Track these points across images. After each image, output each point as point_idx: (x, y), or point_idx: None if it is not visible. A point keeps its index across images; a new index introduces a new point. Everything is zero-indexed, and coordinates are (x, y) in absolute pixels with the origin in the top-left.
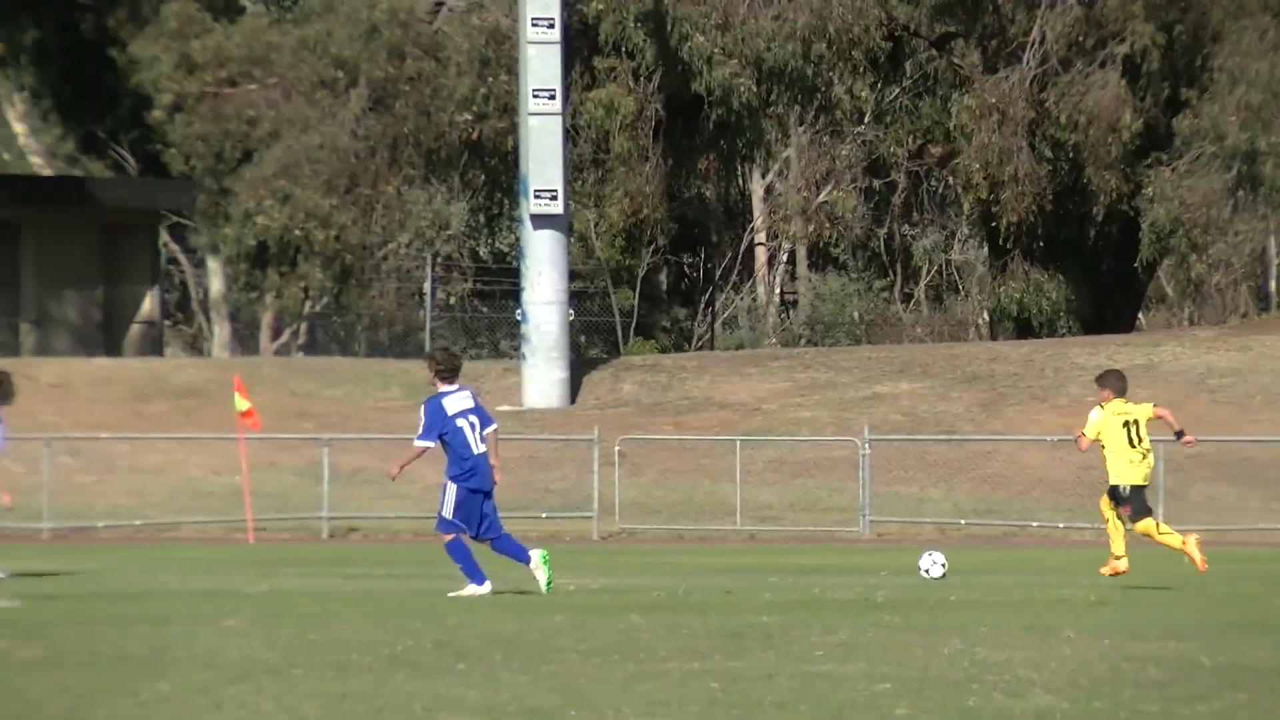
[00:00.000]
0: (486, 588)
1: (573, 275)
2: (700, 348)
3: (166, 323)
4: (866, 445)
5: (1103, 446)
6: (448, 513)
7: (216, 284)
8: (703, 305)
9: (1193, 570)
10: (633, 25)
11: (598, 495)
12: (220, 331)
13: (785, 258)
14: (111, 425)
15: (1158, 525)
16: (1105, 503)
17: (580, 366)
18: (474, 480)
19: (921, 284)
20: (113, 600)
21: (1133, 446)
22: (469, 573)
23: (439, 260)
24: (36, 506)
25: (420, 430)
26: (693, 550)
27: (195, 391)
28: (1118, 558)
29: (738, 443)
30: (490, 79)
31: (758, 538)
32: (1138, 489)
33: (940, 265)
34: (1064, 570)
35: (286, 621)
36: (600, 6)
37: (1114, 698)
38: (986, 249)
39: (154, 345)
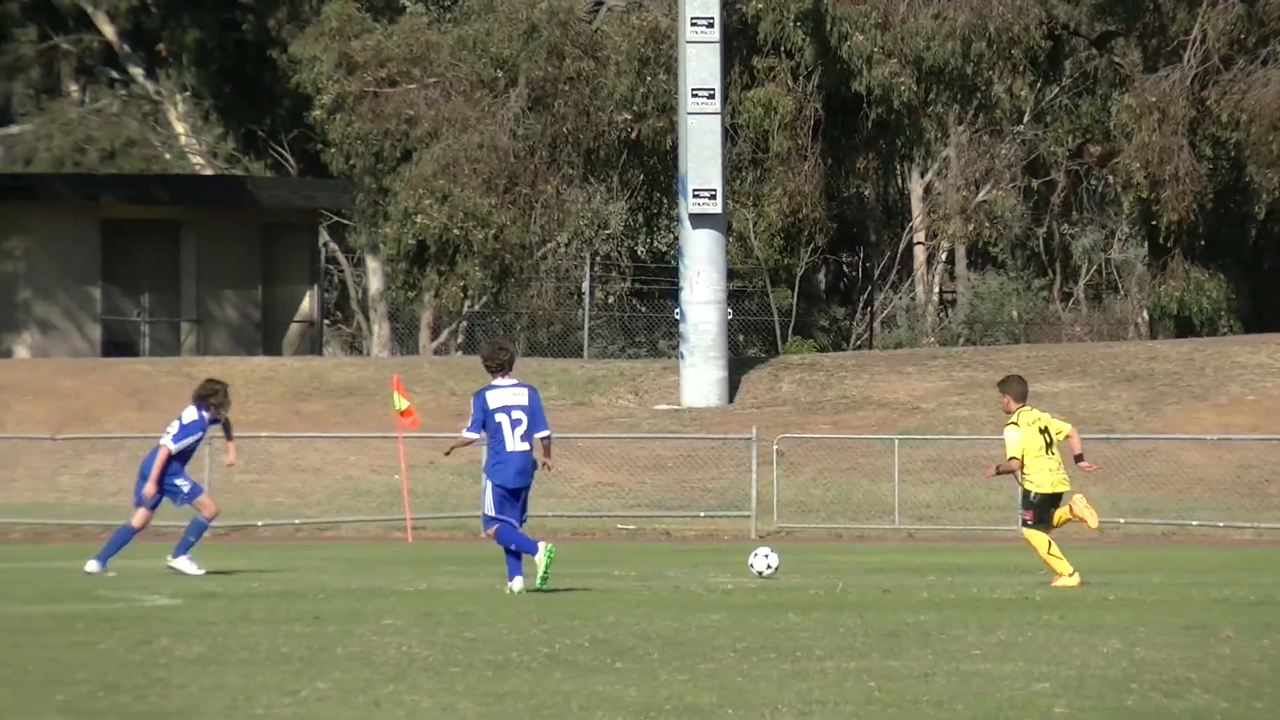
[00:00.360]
0: (540, 549)
1: (731, 275)
2: (859, 347)
3: (325, 322)
4: None
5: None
6: (490, 511)
7: (375, 283)
8: (861, 304)
9: None
10: (792, 24)
11: (755, 494)
12: (379, 331)
13: (944, 257)
14: (270, 424)
15: (1049, 546)
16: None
17: (738, 366)
18: (501, 476)
19: (1080, 283)
20: (271, 599)
21: (1049, 454)
22: (522, 545)
23: (597, 260)
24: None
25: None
26: (850, 549)
27: (354, 390)
28: (1068, 574)
29: (896, 442)
30: (649, 78)
31: (916, 536)
32: (1050, 497)
33: (1100, 264)
34: (1223, 569)
35: (444, 620)
36: (759, 6)
37: (1274, 698)
38: (1146, 248)
39: (313, 344)
